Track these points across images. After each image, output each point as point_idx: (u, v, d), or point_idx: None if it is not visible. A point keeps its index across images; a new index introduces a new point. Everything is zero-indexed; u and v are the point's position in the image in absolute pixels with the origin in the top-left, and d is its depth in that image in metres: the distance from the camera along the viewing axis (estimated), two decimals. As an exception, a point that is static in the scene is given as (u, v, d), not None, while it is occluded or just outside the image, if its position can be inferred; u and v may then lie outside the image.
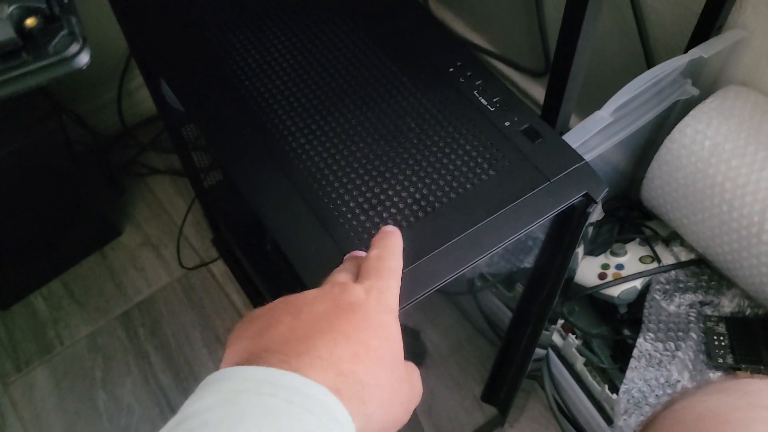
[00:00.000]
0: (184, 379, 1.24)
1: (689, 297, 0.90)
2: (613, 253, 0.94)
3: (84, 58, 0.36)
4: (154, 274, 1.39)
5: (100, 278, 1.38)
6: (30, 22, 0.35)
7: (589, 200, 0.57)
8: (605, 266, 0.94)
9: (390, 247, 0.47)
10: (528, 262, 0.71)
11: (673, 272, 0.92)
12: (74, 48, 0.35)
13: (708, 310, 0.89)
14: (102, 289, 1.37)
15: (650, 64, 0.92)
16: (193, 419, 0.29)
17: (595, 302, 0.96)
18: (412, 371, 0.42)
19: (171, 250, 1.42)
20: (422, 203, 0.55)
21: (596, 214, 0.59)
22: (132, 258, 1.41)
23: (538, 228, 0.55)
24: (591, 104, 0.75)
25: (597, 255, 0.96)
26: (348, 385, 0.33)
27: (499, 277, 0.72)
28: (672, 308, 0.90)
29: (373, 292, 0.40)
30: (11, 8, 0.35)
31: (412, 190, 0.56)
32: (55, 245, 1.32)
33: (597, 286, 0.92)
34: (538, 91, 1.19)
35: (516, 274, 0.73)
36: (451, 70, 0.65)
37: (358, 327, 0.37)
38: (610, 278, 0.92)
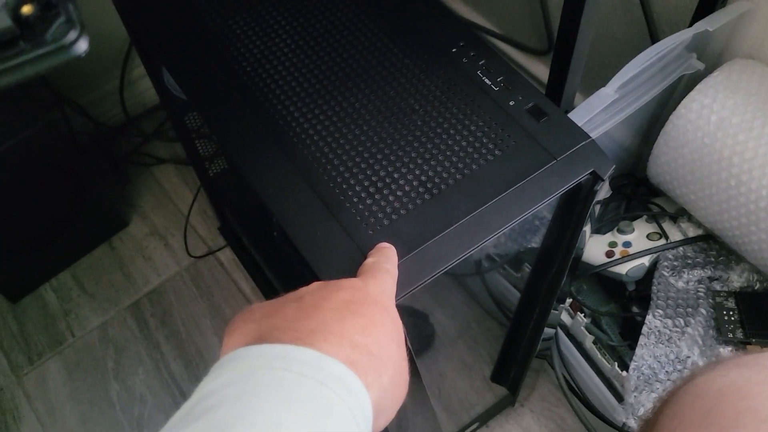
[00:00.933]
0: (196, 368, 1.25)
1: (698, 273, 0.90)
2: (621, 231, 0.94)
3: (82, 46, 0.36)
4: (163, 263, 1.39)
5: (108, 269, 1.39)
6: (26, 9, 0.35)
7: (595, 178, 0.57)
8: (612, 244, 0.94)
9: (385, 254, 0.49)
10: (535, 242, 0.71)
11: (681, 248, 0.91)
12: (72, 35, 0.35)
13: (717, 286, 0.89)
14: (111, 279, 1.37)
15: (654, 38, 0.91)
16: (209, 398, 0.30)
17: (603, 280, 0.96)
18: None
19: (178, 239, 1.42)
20: (428, 185, 0.55)
21: (603, 191, 0.59)
22: (140, 248, 1.42)
23: (545, 207, 0.55)
24: (595, 81, 0.74)
25: (604, 233, 0.96)
26: (362, 358, 0.34)
27: (506, 258, 0.72)
28: (681, 284, 0.89)
29: (369, 281, 0.43)
30: (7, -4, 0.34)
31: (417, 172, 0.56)
32: (62, 237, 1.33)
33: (605, 264, 0.92)
34: (541, 70, 1.18)
35: (523, 254, 0.73)
36: (453, 50, 0.64)
37: (362, 304, 0.38)
38: (617, 256, 0.92)
